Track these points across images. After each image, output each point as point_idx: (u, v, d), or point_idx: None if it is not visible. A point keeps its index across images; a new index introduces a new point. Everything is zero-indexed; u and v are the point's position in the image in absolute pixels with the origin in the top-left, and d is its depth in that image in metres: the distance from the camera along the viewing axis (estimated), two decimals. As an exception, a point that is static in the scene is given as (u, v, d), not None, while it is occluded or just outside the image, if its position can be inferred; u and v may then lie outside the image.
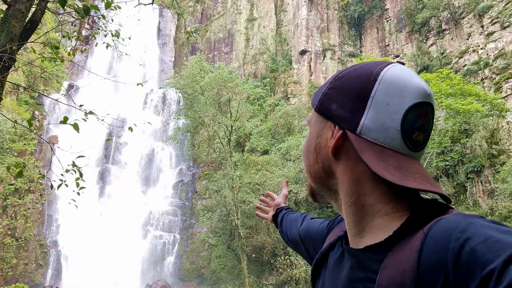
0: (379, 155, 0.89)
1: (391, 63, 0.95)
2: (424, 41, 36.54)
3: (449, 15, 33.69)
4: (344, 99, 0.95)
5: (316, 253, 1.37)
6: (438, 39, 34.93)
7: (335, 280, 1.02)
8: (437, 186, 0.87)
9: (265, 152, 35.22)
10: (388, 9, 41.60)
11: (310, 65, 42.34)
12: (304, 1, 44.12)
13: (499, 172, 20.64)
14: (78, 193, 4.95)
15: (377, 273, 0.85)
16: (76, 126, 4.55)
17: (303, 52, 42.75)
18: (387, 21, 41.45)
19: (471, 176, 22.67)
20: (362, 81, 0.93)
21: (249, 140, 37.89)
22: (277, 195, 2.13)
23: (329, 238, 1.25)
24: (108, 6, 5.83)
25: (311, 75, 41.93)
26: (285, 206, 2.00)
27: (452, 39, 33.38)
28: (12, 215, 27.40)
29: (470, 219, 0.76)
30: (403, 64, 0.97)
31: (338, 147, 0.96)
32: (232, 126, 30.42)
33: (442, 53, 33.86)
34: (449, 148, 23.67)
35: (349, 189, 0.96)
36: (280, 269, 25.59)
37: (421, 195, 0.96)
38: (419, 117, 0.91)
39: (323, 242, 1.33)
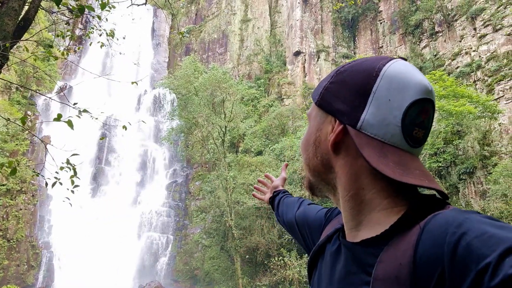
0: (379, 150, 0.89)
1: (393, 58, 0.96)
2: (418, 43, 36.74)
3: (442, 18, 33.90)
4: (346, 94, 0.95)
5: (313, 240, 1.41)
6: (431, 41, 35.13)
7: (331, 273, 1.03)
8: (435, 182, 0.88)
9: (259, 153, 35.22)
10: (381, 11, 41.79)
11: (304, 66, 42.42)
12: (298, 3, 44.21)
13: (491, 173, 20.78)
14: (73, 191, 4.92)
15: (373, 267, 0.86)
16: (70, 123, 4.52)
17: (297, 53, 42.83)
18: (381, 23, 41.64)
19: (464, 177, 22.80)
20: (364, 76, 0.93)
21: (243, 141, 37.88)
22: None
23: (326, 230, 1.25)
24: (103, 7, 5.80)
25: (305, 76, 42.01)
26: (283, 189, 2.00)
27: (445, 41, 33.59)
28: (4, 216, 27.16)
29: (466, 214, 0.76)
30: (405, 59, 0.97)
31: (338, 142, 0.96)
32: (226, 127, 30.41)
33: (435, 55, 34.06)
34: (442, 150, 23.80)
35: (348, 183, 0.96)
36: (274, 270, 25.55)
37: (419, 190, 0.96)
38: (420, 113, 0.91)
39: (320, 231, 1.33)
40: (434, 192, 0.91)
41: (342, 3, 29.94)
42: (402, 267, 0.80)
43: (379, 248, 0.87)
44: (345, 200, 0.98)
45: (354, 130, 0.92)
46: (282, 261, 25.39)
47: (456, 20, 32.63)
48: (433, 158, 23.60)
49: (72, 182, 4.93)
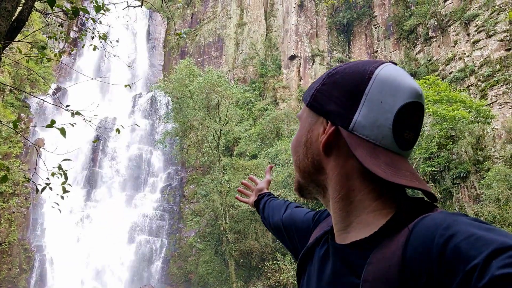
0: (371, 152, 0.90)
1: (385, 62, 0.97)
2: (412, 48, 36.99)
3: (436, 23, 34.17)
4: (338, 95, 0.96)
5: (300, 243, 1.40)
6: (425, 46, 35.38)
7: (320, 275, 1.03)
8: (425, 184, 0.89)
9: (254, 156, 35.23)
10: (376, 16, 42.05)
11: (299, 70, 42.56)
12: (294, 7, 44.39)
13: (485, 178, 20.92)
14: (62, 197, 4.88)
15: (362, 269, 0.87)
16: (63, 131, 4.48)
17: (292, 57, 42.97)
18: (376, 28, 41.89)
19: (457, 182, 22.94)
20: (356, 78, 0.94)
21: (237, 145, 37.88)
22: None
23: (315, 232, 1.25)
24: (98, 10, 5.78)
25: (300, 80, 42.13)
26: (268, 192, 2.00)
27: (439, 46, 33.85)
28: (-4, 219, 26.92)
29: (454, 217, 0.78)
30: (396, 64, 0.99)
31: (330, 143, 0.97)
32: (221, 130, 30.42)
33: (429, 60, 34.30)
34: (436, 154, 23.94)
35: (338, 184, 0.97)
36: (268, 274, 25.54)
37: (407, 193, 0.97)
38: (411, 116, 0.92)
39: (308, 234, 1.33)
40: (422, 195, 0.93)
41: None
42: (391, 268, 0.80)
43: (368, 250, 0.88)
44: (335, 201, 0.99)
45: (346, 131, 0.93)
46: (276, 265, 25.39)
47: (450, 26, 32.89)
48: (427, 162, 23.73)
49: (64, 189, 4.89)
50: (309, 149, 1.02)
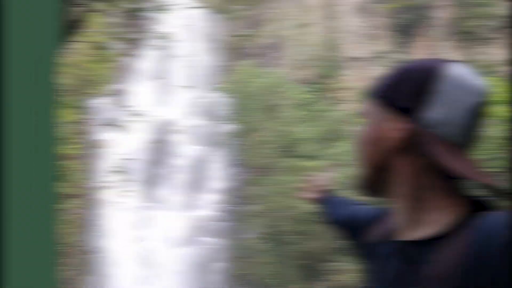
0: (445, 149, 0.90)
1: (454, 61, 0.99)
2: (471, 48, 36.30)
3: (496, 24, 33.33)
4: (410, 91, 0.96)
5: (362, 240, 1.39)
6: (484, 47, 34.56)
7: (383, 272, 1.03)
8: (500, 182, 0.89)
9: (314, 157, 35.15)
10: (436, 16, 41.44)
11: (360, 71, 42.29)
12: (355, 8, 44.14)
13: None
14: (122, 196, 4.68)
15: (425, 266, 0.87)
16: (123, 128, 4.32)
17: (353, 58, 42.67)
18: (436, 29, 41.34)
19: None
20: (428, 75, 0.95)
21: (297, 145, 38.05)
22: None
23: (377, 229, 1.20)
24: (159, 10, 5.77)
25: (361, 81, 41.63)
26: (329, 189, 1.99)
27: (499, 47, 32.90)
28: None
29: None
30: (464, 63, 1.00)
31: (401, 139, 0.95)
32: (280, 131, 30.92)
33: (488, 61, 33.46)
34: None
35: (407, 182, 0.96)
36: (328, 275, 25.64)
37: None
38: (481, 115, 0.93)
39: (369, 231, 1.27)
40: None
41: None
42: (455, 266, 0.81)
43: (432, 247, 0.88)
44: (403, 199, 0.97)
45: (419, 128, 0.92)
46: (336, 266, 25.33)
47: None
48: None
49: (123, 188, 4.71)
50: (378, 146, 1.00)
